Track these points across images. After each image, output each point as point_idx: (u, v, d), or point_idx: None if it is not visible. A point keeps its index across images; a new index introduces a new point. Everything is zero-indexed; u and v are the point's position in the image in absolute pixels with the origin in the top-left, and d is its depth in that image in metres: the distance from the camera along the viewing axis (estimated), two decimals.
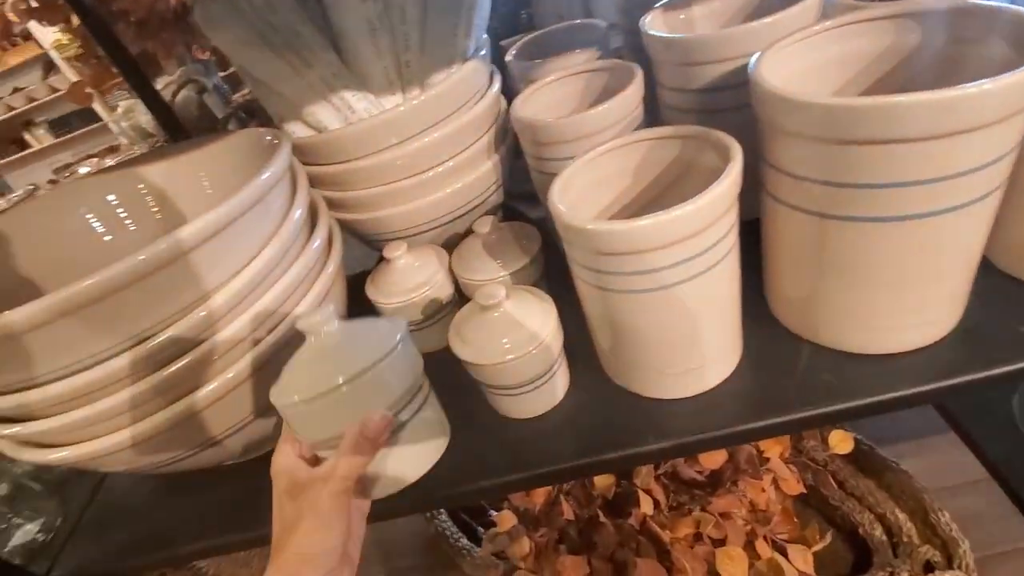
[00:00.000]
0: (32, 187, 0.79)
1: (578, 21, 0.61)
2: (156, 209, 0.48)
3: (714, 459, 0.70)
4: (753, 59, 0.33)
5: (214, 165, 0.47)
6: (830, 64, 0.36)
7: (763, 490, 0.72)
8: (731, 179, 0.29)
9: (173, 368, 0.33)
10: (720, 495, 0.68)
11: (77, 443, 0.35)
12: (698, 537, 0.68)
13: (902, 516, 0.81)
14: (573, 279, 0.37)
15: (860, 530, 0.82)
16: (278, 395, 0.33)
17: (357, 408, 0.32)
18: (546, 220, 0.54)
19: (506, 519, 0.75)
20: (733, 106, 0.42)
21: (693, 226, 0.29)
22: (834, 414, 0.35)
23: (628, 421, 0.38)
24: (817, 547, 0.69)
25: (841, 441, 0.75)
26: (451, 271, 0.48)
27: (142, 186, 0.48)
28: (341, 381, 0.31)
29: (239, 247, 0.34)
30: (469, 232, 0.51)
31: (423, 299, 0.46)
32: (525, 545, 0.72)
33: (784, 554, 0.67)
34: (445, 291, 0.47)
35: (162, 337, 0.32)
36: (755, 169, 0.34)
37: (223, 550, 0.44)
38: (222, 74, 1.06)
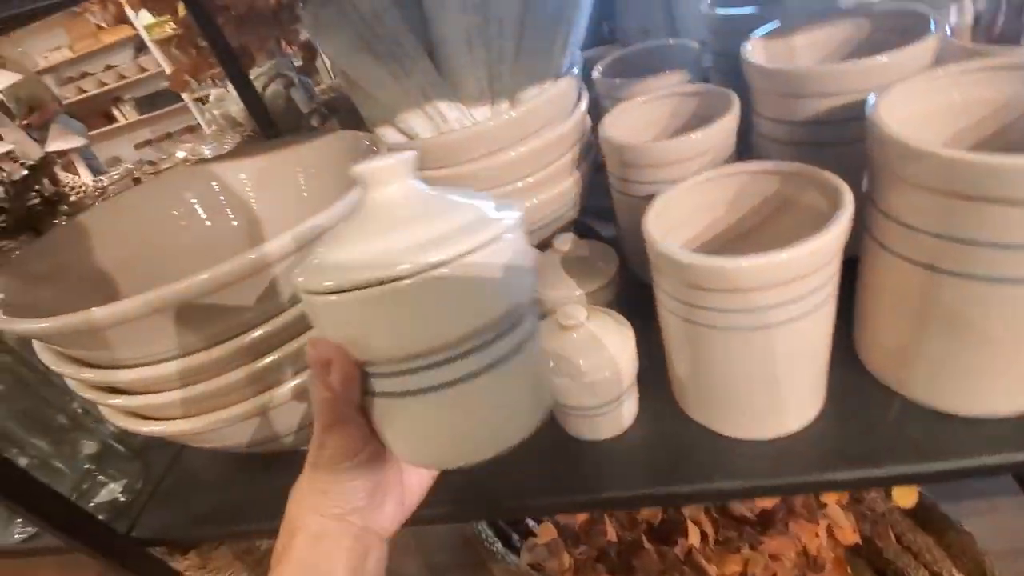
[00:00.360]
0: (129, 167, 0.85)
1: (669, 41, 0.60)
2: (254, 200, 0.51)
3: (768, 498, 0.68)
4: (871, 99, 0.32)
5: (310, 163, 0.49)
6: (948, 110, 0.34)
7: (816, 535, 0.69)
8: (841, 226, 0.29)
9: (266, 360, 0.35)
10: (772, 536, 0.66)
11: (171, 419, 0.37)
12: None
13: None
14: (657, 306, 0.37)
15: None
16: (307, 275, 0.21)
17: (415, 319, 0.20)
18: (619, 239, 0.54)
19: (546, 531, 0.75)
20: (835, 141, 0.41)
21: (798, 270, 0.28)
22: (922, 475, 0.33)
23: (699, 456, 0.37)
24: None
25: (905, 495, 0.71)
26: None
27: (243, 176, 0.50)
28: (401, 269, 0.19)
29: None
30: (546, 246, 0.51)
31: None
32: (565, 560, 0.72)
33: None
34: None
35: (259, 332, 0.34)
36: (858, 209, 0.33)
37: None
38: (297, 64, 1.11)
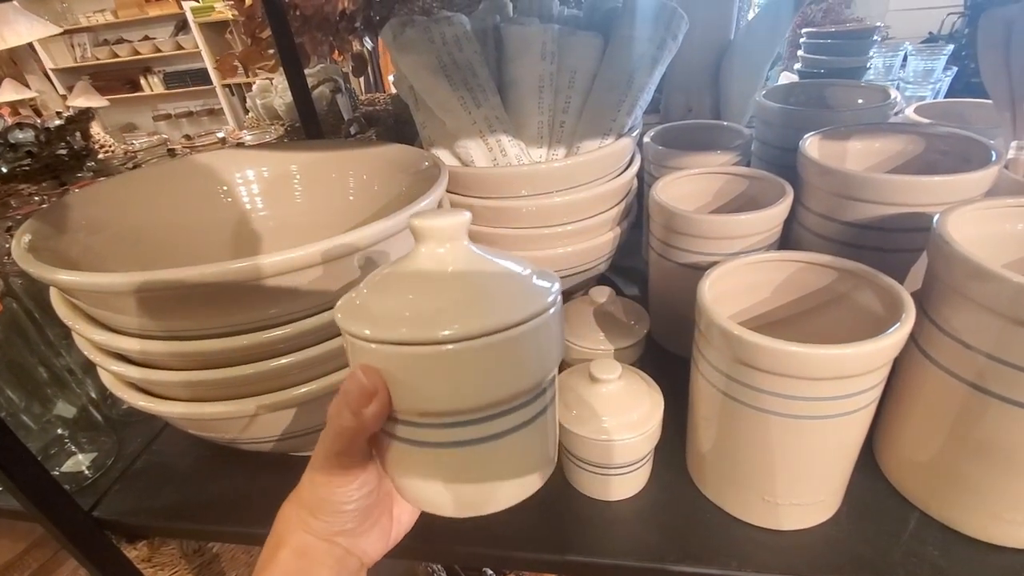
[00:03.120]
0: (163, 136, 0.84)
1: (723, 123, 0.63)
2: (299, 192, 0.50)
3: None
4: (938, 216, 0.33)
5: (363, 168, 0.49)
6: (1010, 238, 0.35)
7: None
8: (906, 330, 0.29)
9: (280, 362, 0.34)
10: None
11: (169, 399, 0.36)
12: None
13: None
14: (693, 374, 0.36)
15: None
16: (348, 312, 0.22)
17: (452, 381, 0.20)
18: (641, 300, 0.54)
19: None
20: (879, 247, 0.42)
21: (859, 367, 0.29)
22: None
23: (706, 536, 0.36)
24: None
25: None
26: None
27: (294, 167, 0.50)
28: (447, 334, 0.19)
29: (379, 263, 0.35)
30: (570, 295, 0.51)
31: None
32: None
33: None
34: None
35: (279, 332, 0.33)
36: None
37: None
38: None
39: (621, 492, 0.39)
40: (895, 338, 0.28)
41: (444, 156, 0.50)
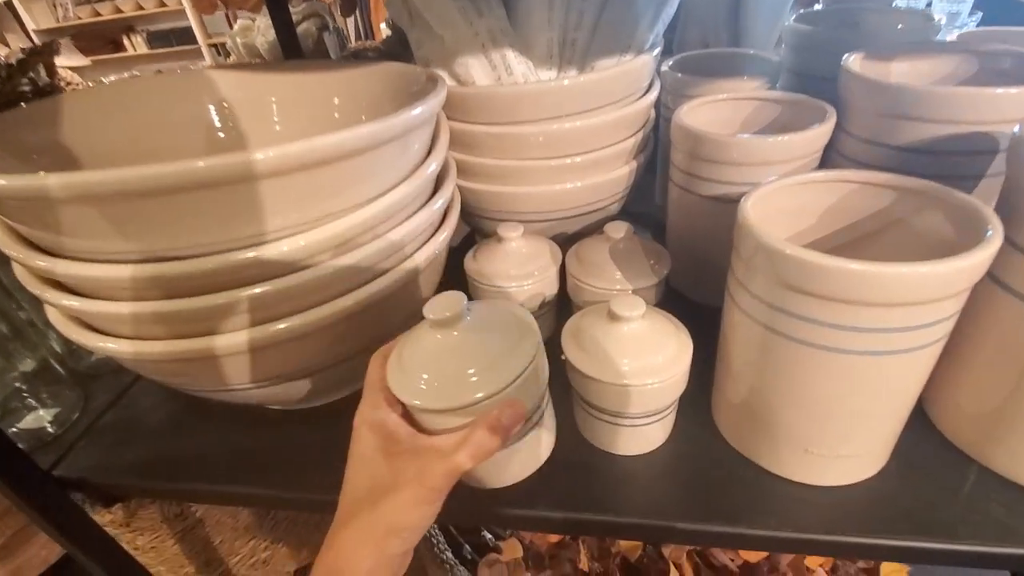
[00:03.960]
0: (136, 73, 0.77)
1: (750, 51, 0.57)
2: (278, 120, 0.44)
3: (754, 552, 0.63)
4: (1020, 127, 0.28)
5: (352, 89, 0.43)
6: None
7: None
8: (994, 247, 0.24)
9: (254, 291, 0.29)
10: None
11: (122, 337, 0.31)
12: None
13: None
14: (729, 310, 0.32)
15: None
16: (400, 385, 0.28)
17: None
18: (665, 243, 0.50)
19: (511, 548, 0.69)
20: (932, 173, 0.36)
21: (937, 290, 0.24)
22: (1008, 558, 0.28)
23: (741, 494, 0.32)
24: None
25: (894, 572, 0.67)
26: (561, 269, 0.43)
27: (272, 90, 0.44)
28: (480, 397, 0.27)
29: (362, 182, 0.30)
30: (578, 237, 0.46)
31: (527, 291, 0.41)
32: None
33: None
34: (551, 288, 0.42)
35: (250, 253, 0.28)
36: None
37: (240, 501, 0.39)
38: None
39: (641, 445, 0.35)
40: (983, 255, 0.24)
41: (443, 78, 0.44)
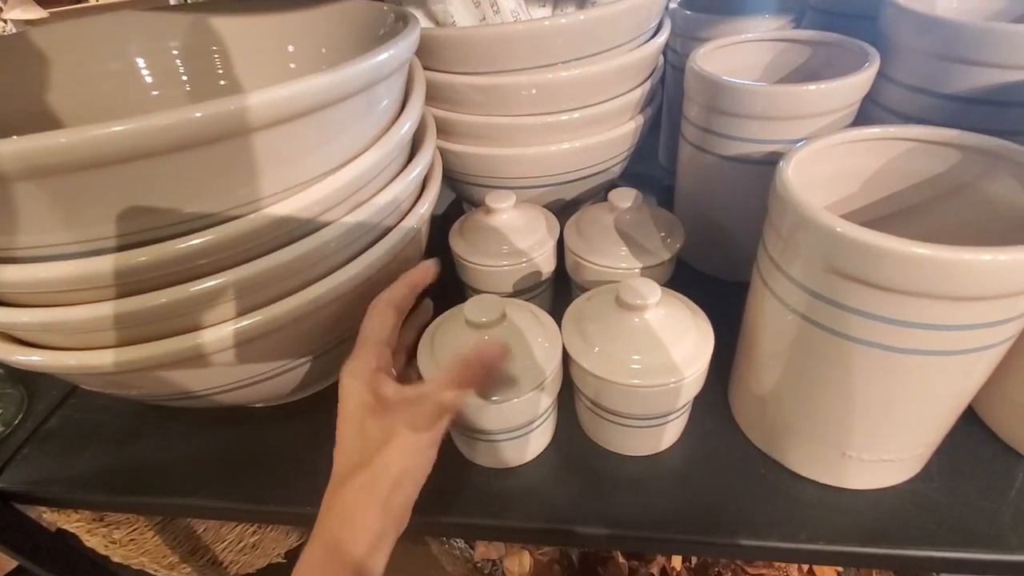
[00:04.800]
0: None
1: None
2: (222, 73, 0.38)
3: (755, 564, 0.61)
4: None
5: (307, 37, 0.37)
6: None
7: (799, 568, 0.63)
8: None
9: (204, 286, 0.24)
10: (758, 567, 0.59)
11: (56, 349, 0.26)
12: None
13: None
14: (760, 294, 0.27)
15: None
16: (430, 372, 0.28)
17: (501, 414, 0.28)
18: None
19: None
20: (989, 127, 0.31)
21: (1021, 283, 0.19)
22: None
23: (767, 500, 0.29)
24: None
25: None
26: (559, 243, 0.38)
27: (212, 42, 0.37)
28: (496, 399, 0.27)
29: (320, 148, 0.24)
30: (581, 200, 0.41)
31: (521, 269, 0.36)
32: (525, 561, 0.64)
33: None
34: (547, 266, 0.38)
35: (199, 240, 0.23)
36: None
37: (211, 515, 0.35)
38: None
39: (650, 445, 0.31)
40: None
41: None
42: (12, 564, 0.72)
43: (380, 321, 0.27)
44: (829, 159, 0.27)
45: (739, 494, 0.29)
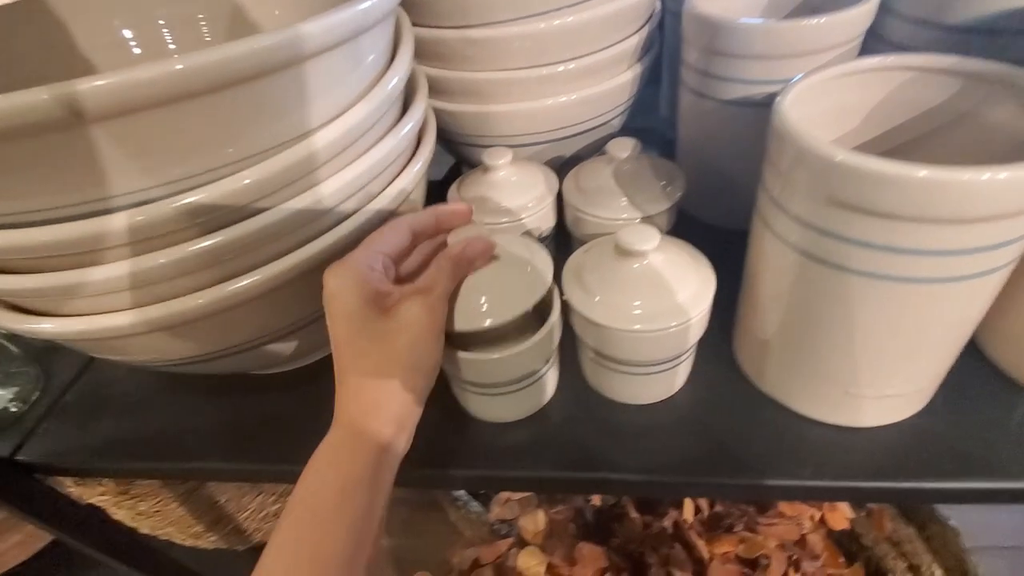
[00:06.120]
0: None
1: None
2: (209, 40, 0.37)
3: (768, 515, 0.62)
4: None
5: (295, 1, 0.36)
6: None
7: (811, 518, 0.64)
8: None
9: (201, 245, 0.24)
10: (771, 518, 0.60)
11: (67, 315, 0.26)
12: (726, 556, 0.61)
13: (939, 572, 0.75)
14: (761, 233, 0.27)
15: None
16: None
17: (506, 367, 0.28)
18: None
19: None
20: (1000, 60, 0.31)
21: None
22: None
23: (771, 441, 0.29)
24: None
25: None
26: (559, 199, 0.37)
27: (198, 11, 0.37)
28: (496, 357, 0.27)
29: (307, 103, 0.24)
30: (581, 156, 0.41)
31: (521, 226, 0.36)
32: (539, 520, 0.65)
33: None
34: (547, 221, 0.37)
35: (193, 199, 0.22)
36: None
37: (224, 477, 0.36)
38: None
39: (656, 393, 0.32)
40: None
41: None
42: (14, 561, 0.75)
43: (392, 234, 0.26)
44: (828, 93, 0.27)
45: (746, 438, 0.29)
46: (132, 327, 0.25)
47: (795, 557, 0.60)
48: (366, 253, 0.24)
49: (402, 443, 0.24)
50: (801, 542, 0.62)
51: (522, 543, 0.65)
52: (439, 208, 0.28)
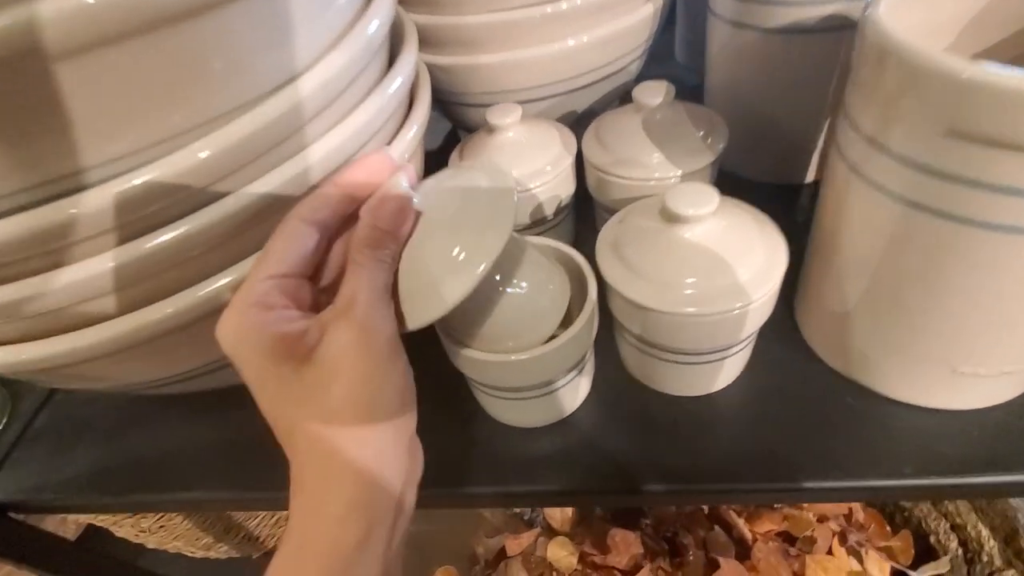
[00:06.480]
0: None
1: None
2: None
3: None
4: None
5: None
6: None
7: None
8: None
9: (160, 240, 0.19)
10: None
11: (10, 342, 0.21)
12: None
13: (985, 532, 0.72)
14: (850, 183, 0.21)
15: (932, 539, 0.72)
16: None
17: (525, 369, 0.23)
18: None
19: None
20: None
21: None
22: None
23: (858, 432, 0.24)
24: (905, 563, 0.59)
25: None
26: (577, 160, 0.32)
27: None
28: (525, 358, 0.22)
29: (270, 50, 0.19)
30: (595, 111, 0.35)
31: (535, 196, 0.31)
32: (568, 508, 0.62)
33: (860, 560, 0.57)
34: (567, 187, 0.32)
35: (139, 181, 0.18)
36: None
37: (217, 507, 0.32)
38: None
39: (713, 383, 0.27)
40: None
41: None
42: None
43: (284, 243, 0.18)
44: (917, 6, 0.21)
45: (823, 429, 0.25)
46: (72, 354, 0.20)
47: (841, 530, 0.56)
48: (253, 288, 0.17)
49: (375, 534, 0.17)
50: (847, 514, 0.59)
51: (550, 531, 0.61)
52: (342, 178, 0.19)
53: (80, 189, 0.17)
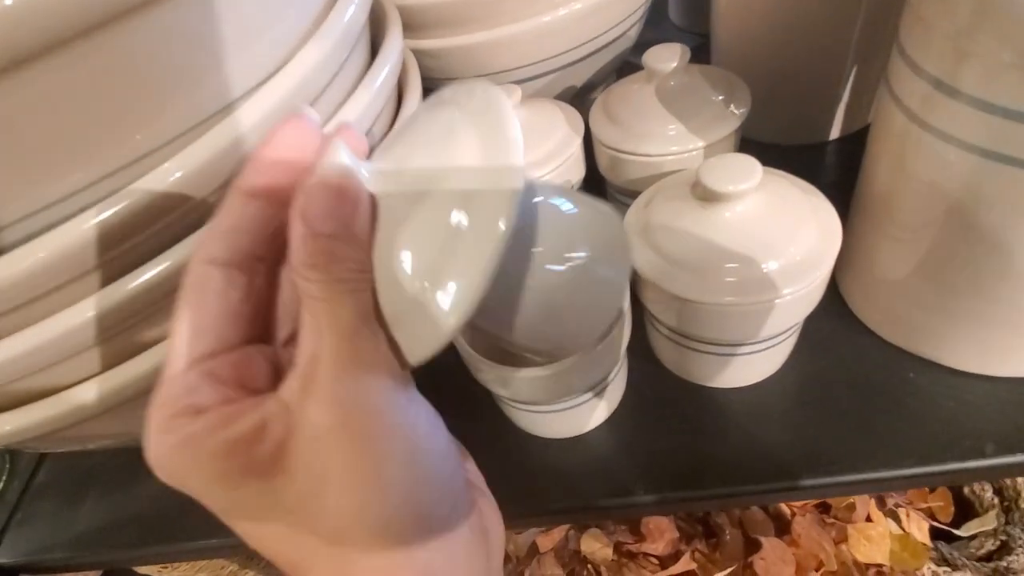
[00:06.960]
0: None
1: None
2: None
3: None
4: None
5: None
6: None
7: None
8: None
9: (147, 276, 0.17)
10: None
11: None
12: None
13: (1022, 480, 0.70)
14: (898, 135, 0.19)
15: (967, 490, 0.71)
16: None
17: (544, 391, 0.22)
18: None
19: None
20: None
21: None
22: None
23: (924, 412, 0.22)
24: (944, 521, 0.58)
25: None
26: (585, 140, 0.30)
27: None
28: (541, 374, 0.20)
29: (238, 50, 0.16)
30: (595, 84, 0.32)
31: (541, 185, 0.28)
32: None
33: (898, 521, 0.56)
34: (576, 171, 0.30)
35: (108, 214, 0.15)
36: None
37: (247, 551, 0.30)
38: None
39: (759, 372, 0.25)
40: None
41: None
42: None
43: (195, 307, 0.13)
44: None
45: (884, 409, 0.23)
46: (54, 420, 0.18)
47: (879, 494, 0.55)
48: (171, 390, 0.12)
49: None
50: None
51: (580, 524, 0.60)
52: (245, 179, 0.13)
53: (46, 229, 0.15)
